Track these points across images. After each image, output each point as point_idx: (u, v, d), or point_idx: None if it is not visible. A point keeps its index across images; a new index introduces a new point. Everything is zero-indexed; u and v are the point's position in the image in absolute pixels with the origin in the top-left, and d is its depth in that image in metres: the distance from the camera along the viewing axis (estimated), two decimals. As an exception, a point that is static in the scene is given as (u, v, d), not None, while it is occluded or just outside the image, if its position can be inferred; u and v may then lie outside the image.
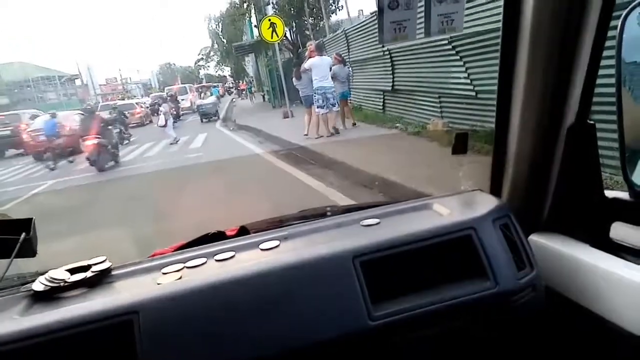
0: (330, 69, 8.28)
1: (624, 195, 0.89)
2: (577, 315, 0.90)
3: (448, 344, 0.92)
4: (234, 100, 26.89)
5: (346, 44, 11.25)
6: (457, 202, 1.07)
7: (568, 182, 0.94)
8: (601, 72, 0.86)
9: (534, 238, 1.00)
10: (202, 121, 17.66)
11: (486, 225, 0.92)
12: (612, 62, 0.82)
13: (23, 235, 0.89)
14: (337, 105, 8.24)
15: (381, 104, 9.73)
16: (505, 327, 0.94)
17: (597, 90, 0.88)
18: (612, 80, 0.83)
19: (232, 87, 41.18)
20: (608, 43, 0.83)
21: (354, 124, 8.92)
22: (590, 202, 0.93)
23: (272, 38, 12.29)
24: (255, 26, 19.08)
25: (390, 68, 8.79)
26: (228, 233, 1.12)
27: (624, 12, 0.81)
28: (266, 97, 21.95)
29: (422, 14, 1.05)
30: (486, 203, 1.00)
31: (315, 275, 0.84)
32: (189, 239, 1.11)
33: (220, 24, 33.91)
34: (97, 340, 0.79)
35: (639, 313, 0.79)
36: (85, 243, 3.61)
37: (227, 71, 44.96)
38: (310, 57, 8.31)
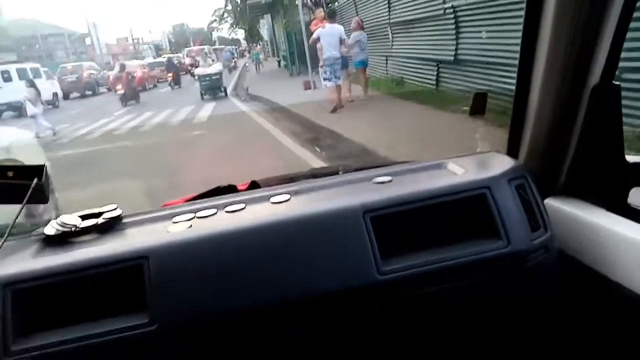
0: (341, 39, 7.86)
1: None
2: (592, 280, 0.88)
3: (457, 301, 0.91)
4: (246, 65, 23.90)
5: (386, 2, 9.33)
6: (472, 162, 1.05)
7: (588, 145, 0.90)
8: (631, 32, 0.80)
9: (550, 202, 0.98)
10: (202, 98, 13.05)
11: (501, 185, 0.90)
12: None
13: (35, 180, 0.88)
14: (340, 78, 7.90)
15: (434, 78, 7.55)
16: (516, 288, 0.92)
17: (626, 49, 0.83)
18: None
19: (245, 51, 38.59)
20: None
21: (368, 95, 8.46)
22: (609, 166, 0.89)
23: None
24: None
25: (453, 32, 6.69)
26: (239, 187, 1.12)
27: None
28: (282, 63, 19.71)
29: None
30: (502, 164, 0.98)
31: (325, 229, 0.84)
32: (200, 191, 1.11)
33: (234, -19, 31.29)
34: (107, 283, 0.80)
35: None
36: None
37: (240, 34, 42.63)
38: (317, 26, 7.97)
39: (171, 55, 29.00)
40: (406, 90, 8.33)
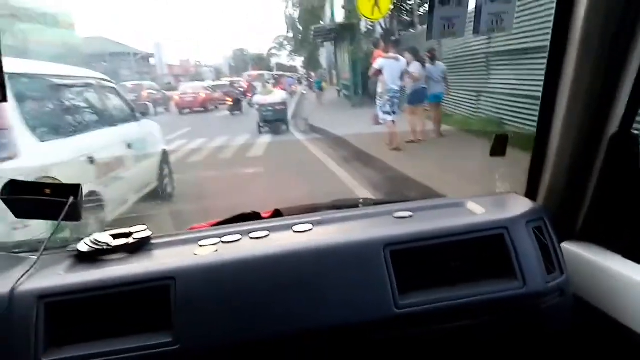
0: (402, 72, 7.40)
1: None
2: (607, 326, 0.91)
3: (472, 339, 0.93)
4: (304, 93, 22.56)
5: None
6: (491, 202, 1.08)
7: (606, 191, 0.94)
8: None
9: (567, 246, 1.02)
10: (260, 131, 11.08)
11: (519, 226, 0.93)
12: None
13: (71, 199, 0.93)
14: (397, 113, 7.44)
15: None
16: (530, 329, 0.94)
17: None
18: None
19: (301, 79, 38.06)
20: None
21: (440, 135, 7.77)
22: (627, 213, 0.93)
23: (372, 14, 9.05)
24: (342, 7, 15.67)
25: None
26: (263, 215, 1.16)
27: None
28: (343, 92, 18.91)
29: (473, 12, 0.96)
30: (521, 205, 1.01)
31: (346, 260, 0.87)
32: (225, 217, 1.15)
33: (298, 9, 30.95)
34: (134, 301, 0.85)
35: None
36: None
37: (298, 61, 42.57)
38: (379, 57, 7.47)
39: (233, 79, 28.79)
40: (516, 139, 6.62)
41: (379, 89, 7.45)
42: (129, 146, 4.52)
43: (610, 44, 0.85)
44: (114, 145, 4.26)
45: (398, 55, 7.53)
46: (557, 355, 1.00)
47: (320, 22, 22.71)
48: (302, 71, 43.97)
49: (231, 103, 17.06)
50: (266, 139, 10.33)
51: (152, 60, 41.91)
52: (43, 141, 3.24)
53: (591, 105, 0.91)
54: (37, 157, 3.09)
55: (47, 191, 0.94)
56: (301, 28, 32.56)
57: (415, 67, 7.68)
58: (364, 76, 12.85)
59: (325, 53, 30.28)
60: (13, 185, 0.93)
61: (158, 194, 4.99)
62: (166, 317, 0.82)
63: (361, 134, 8.23)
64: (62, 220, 0.92)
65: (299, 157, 7.94)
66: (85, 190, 2.66)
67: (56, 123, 3.58)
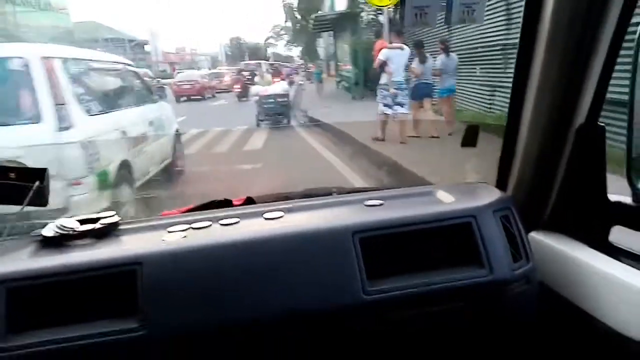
0: (406, 63, 7.22)
1: (626, 199, 0.91)
2: (571, 314, 0.94)
3: (439, 325, 0.97)
4: (302, 84, 22.59)
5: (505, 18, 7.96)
6: (461, 191, 1.10)
7: (573, 182, 0.98)
8: (615, 74, 0.88)
9: (534, 235, 1.05)
10: (258, 124, 10.27)
11: (486, 215, 0.95)
12: (627, 65, 0.84)
13: (37, 183, 0.93)
14: (405, 106, 7.12)
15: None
16: (496, 316, 0.97)
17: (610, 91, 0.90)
18: (626, 83, 0.84)
19: (298, 69, 38.07)
20: (625, 44, 0.86)
21: (450, 134, 6.51)
22: (592, 203, 0.96)
23: (382, 1, 8.53)
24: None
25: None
26: (234, 202, 1.18)
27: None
28: (342, 84, 18.47)
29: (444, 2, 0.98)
30: (489, 194, 1.04)
31: (315, 247, 0.89)
32: (196, 204, 1.17)
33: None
34: (100, 287, 0.84)
35: (633, 316, 0.82)
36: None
37: (295, 51, 42.55)
38: (382, 48, 7.24)
39: (231, 67, 28.74)
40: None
41: (382, 80, 7.16)
42: (150, 124, 5.09)
43: (576, 38, 0.87)
44: (139, 123, 4.85)
45: (403, 45, 7.23)
46: (523, 342, 1.04)
47: (319, 11, 22.86)
48: (298, 61, 44.08)
49: (240, 90, 16.97)
50: (264, 131, 9.76)
51: (147, 48, 41.87)
52: (90, 115, 3.70)
53: (559, 98, 0.93)
54: (86, 129, 3.60)
55: (12, 175, 0.92)
56: (299, 17, 32.65)
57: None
58: (365, 67, 12.58)
59: (322, 43, 30.31)
60: None
61: (172, 169, 5.56)
62: (133, 303, 0.82)
63: (364, 126, 7.79)
64: (27, 205, 0.91)
65: (299, 150, 7.49)
66: (119, 159, 3.10)
67: (97, 101, 4.05)
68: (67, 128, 3.38)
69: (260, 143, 8.33)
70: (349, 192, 1.20)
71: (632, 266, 0.85)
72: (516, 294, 0.92)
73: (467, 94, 9.17)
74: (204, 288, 0.83)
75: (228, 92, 25.01)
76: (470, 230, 0.93)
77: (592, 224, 0.96)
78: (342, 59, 19.65)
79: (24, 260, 0.87)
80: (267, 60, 37.25)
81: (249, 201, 1.18)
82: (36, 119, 3.29)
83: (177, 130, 6.02)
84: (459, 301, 0.91)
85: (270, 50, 49.89)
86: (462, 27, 8.99)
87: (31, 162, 3.14)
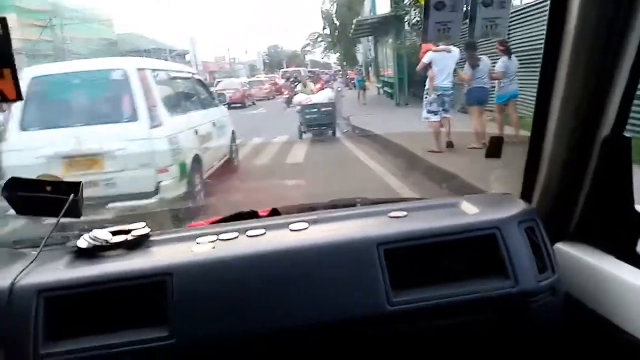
0: (454, 66, 6.86)
1: None
2: (598, 325, 0.94)
3: (463, 336, 0.98)
4: (340, 89, 23.10)
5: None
6: (485, 202, 1.13)
7: (599, 193, 0.98)
8: None
9: (560, 246, 1.06)
10: (300, 136, 9.71)
11: (511, 226, 0.97)
12: None
13: (72, 196, 0.98)
14: (449, 112, 6.87)
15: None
16: (522, 327, 0.98)
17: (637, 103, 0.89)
18: None
19: (336, 75, 38.86)
20: None
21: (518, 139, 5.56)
22: (619, 214, 0.96)
23: None
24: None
25: None
26: (260, 213, 1.22)
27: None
28: (384, 90, 18.40)
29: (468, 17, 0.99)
30: (514, 206, 1.06)
31: (340, 258, 0.92)
32: (224, 215, 1.22)
33: (335, 2, 31.69)
34: (132, 297, 0.90)
35: None
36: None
37: (332, 58, 43.36)
38: (428, 50, 6.87)
39: (269, 75, 29.56)
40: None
41: (428, 85, 6.89)
42: (214, 125, 6.04)
43: (601, 48, 0.88)
44: (206, 123, 5.75)
45: (451, 47, 6.86)
46: (548, 354, 1.05)
47: (358, 16, 23.46)
48: (336, 68, 44.94)
49: (287, 96, 17.07)
50: (305, 142, 9.46)
51: (187, 57, 43.85)
52: (172, 116, 4.58)
53: (584, 108, 0.94)
54: (170, 127, 4.46)
55: (48, 188, 0.98)
56: (338, 23, 33.49)
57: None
58: (409, 72, 12.15)
59: (361, 49, 30.84)
60: (15, 183, 0.98)
61: (229, 165, 6.46)
62: (163, 312, 0.86)
63: (414, 135, 7.26)
64: (63, 217, 0.97)
65: (346, 165, 6.93)
66: (192, 153, 4.05)
67: (175, 104, 4.98)
68: (157, 126, 4.31)
69: (301, 155, 8.09)
70: (373, 203, 1.24)
71: None
72: (542, 305, 0.94)
73: (526, 100, 8.57)
74: (232, 299, 0.87)
75: (268, 99, 25.97)
76: (495, 241, 0.95)
77: (619, 235, 0.96)
78: (383, 64, 19.56)
79: (60, 271, 0.92)
80: (305, 67, 38.30)
81: (275, 212, 1.22)
82: (134, 118, 4.25)
83: (232, 132, 6.93)
84: (484, 312, 0.93)
85: (307, 58, 51.18)
86: (518, 27, 8.58)
87: (130, 154, 4.08)
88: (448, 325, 0.93)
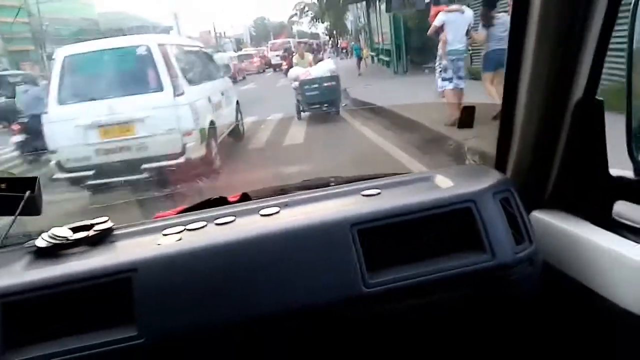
0: (468, 28, 6.50)
1: (629, 173, 0.91)
2: (576, 292, 0.96)
3: (443, 314, 0.99)
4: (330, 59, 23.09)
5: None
6: (459, 175, 1.13)
7: (573, 158, 0.98)
8: (611, 46, 0.87)
9: (536, 214, 1.07)
10: (299, 116, 9.08)
11: (486, 198, 0.97)
12: (623, 37, 0.82)
13: (28, 193, 0.96)
14: (463, 79, 6.55)
15: None
16: (501, 301, 1.00)
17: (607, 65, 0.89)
18: (623, 54, 0.83)
19: (324, 45, 38.99)
20: (621, 14, 0.85)
21: None
22: (594, 179, 0.96)
23: None
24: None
25: None
26: (230, 199, 1.21)
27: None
28: (378, 58, 18.43)
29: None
30: (488, 177, 1.06)
31: (313, 242, 0.91)
32: (191, 203, 1.21)
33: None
34: (96, 296, 0.87)
35: (638, 292, 0.83)
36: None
37: (320, 28, 43.39)
38: (440, 12, 6.62)
39: (258, 48, 29.60)
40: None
41: (440, 51, 6.53)
42: (222, 94, 6.82)
43: (570, 11, 0.88)
44: (216, 93, 6.53)
45: (463, 7, 6.71)
46: (529, 325, 1.07)
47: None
48: (324, 38, 44.98)
49: (287, 67, 16.75)
50: (303, 122, 8.81)
51: (171, 34, 43.86)
52: (190, 86, 5.34)
53: (554, 73, 0.94)
54: (190, 96, 5.22)
55: (3, 186, 0.95)
56: (325, -8, 33.60)
57: None
58: (407, 38, 12.20)
59: (350, 17, 30.84)
60: None
61: (236, 131, 7.24)
62: (130, 310, 0.85)
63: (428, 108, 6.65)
64: (19, 215, 0.95)
65: (353, 145, 6.32)
66: (209, 119, 4.98)
67: (191, 75, 5.71)
68: (180, 94, 5.04)
69: (301, 135, 7.56)
70: (346, 182, 1.23)
71: (636, 242, 0.86)
72: (520, 276, 0.95)
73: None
74: (201, 290, 0.86)
75: (258, 73, 26.04)
76: (470, 215, 0.95)
77: (594, 200, 0.97)
78: (376, 31, 19.38)
79: (18, 273, 0.89)
80: (293, 38, 38.35)
81: (245, 197, 1.21)
82: (159, 88, 4.99)
83: (237, 102, 7.70)
84: (463, 288, 0.94)
85: (295, 29, 51.18)
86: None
87: (158, 120, 4.80)
88: (426, 304, 0.95)
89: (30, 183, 0.97)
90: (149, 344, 0.83)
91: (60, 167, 4.86)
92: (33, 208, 0.97)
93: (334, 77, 8.87)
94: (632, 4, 0.81)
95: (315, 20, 41.78)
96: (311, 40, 35.23)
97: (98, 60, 5.14)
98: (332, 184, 1.25)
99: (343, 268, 0.89)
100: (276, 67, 25.36)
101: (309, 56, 11.05)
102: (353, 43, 22.13)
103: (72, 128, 4.78)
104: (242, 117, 7.84)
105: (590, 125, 0.93)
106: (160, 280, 0.85)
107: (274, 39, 39.44)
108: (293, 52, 15.63)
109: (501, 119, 1.11)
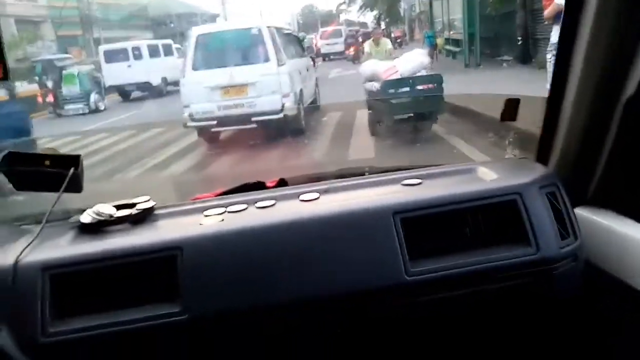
0: None
1: None
2: (618, 290, 0.99)
3: (484, 305, 1.05)
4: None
5: None
6: (503, 168, 1.18)
7: (620, 156, 1.01)
8: None
9: (580, 211, 1.09)
10: (372, 132, 6.48)
11: (532, 191, 1.01)
12: None
13: (72, 170, 1.03)
14: None
15: None
16: (543, 294, 1.04)
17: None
18: None
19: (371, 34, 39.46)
20: None
21: None
22: None
23: None
24: None
25: None
26: (268, 184, 1.30)
27: None
28: (445, 48, 17.56)
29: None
30: (533, 171, 1.11)
31: (354, 228, 0.98)
32: (230, 186, 1.30)
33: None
34: (140, 272, 0.96)
35: None
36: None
37: (369, 17, 44.26)
38: None
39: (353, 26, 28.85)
40: None
41: (554, 38, 5.76)
42: (307, 69, 9.10)
43: (627, 6, 0.89)
44: (303, 68, 8.76)
45: None
46: (569, 321, 1.12)
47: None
48: (373, 26, 45.22)
49: (353, 52, 18.97)
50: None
51: (218, 21, 45.86)
52: (288, 59, 7.65)
53: (607, 69, 0.96)
54: (289, 67, 7.45)
55: (47, 162, 1.03)
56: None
57: None
58: (483, 26, 11.47)
59: (404, 4, 31.48)
60: (12, 157, 1.03)
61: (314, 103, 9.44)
62: (173, 287, 0.92)
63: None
64: (63, 192, 1.02)
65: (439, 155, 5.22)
66: (299, 87, 7.82)
67: (287, 52, 7.93)
68: (282, 65, 7.22)
69: (371, 151, 5.95)
70: (383, 172, 1.28)
71: None
72: (563, 272, 0.99)
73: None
74: (243, 271, 0.93)
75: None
76: (515, 208, 0.99)
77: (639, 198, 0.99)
78: (441, 20, 19.08)
79: (64, 247, 0.98)
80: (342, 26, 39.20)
81: (282, 183, 1.29)
82: (267, 60, 7.20)
83: (316, 78, 10.02)
84: (505, 280, 0.98)
85: (342, 17, 52.66)
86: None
87: (265, 84, 7.04)
88: (468, 295, 0.99)
89: (74, 160, 1.04)
90: (191, 320, 0.91)
91: (191, 117, 6.98)
92: (76, 185, 1.04)
93: (436, 78, 6.30)
94: None
95: (364, 8, 42.82)
96: (360, 29, 35.69)
97: (222, 37, 7.53)
98: (368, 172, 1.33)
99: (385, 256, 0.96)
100: (325, 57, 26.41)
101: (387, 43, 8.62)
102: (426, 31, 20.35)
103: (202, 88, 6.99)
104: (318, 92, 10.03)
105: (639, 124, 0.95)
106: (205, 259, 0.94)
107: (322, 27, 40.18)
108: (358, 39, 15.29)
109: (545, 114, 1.15)
